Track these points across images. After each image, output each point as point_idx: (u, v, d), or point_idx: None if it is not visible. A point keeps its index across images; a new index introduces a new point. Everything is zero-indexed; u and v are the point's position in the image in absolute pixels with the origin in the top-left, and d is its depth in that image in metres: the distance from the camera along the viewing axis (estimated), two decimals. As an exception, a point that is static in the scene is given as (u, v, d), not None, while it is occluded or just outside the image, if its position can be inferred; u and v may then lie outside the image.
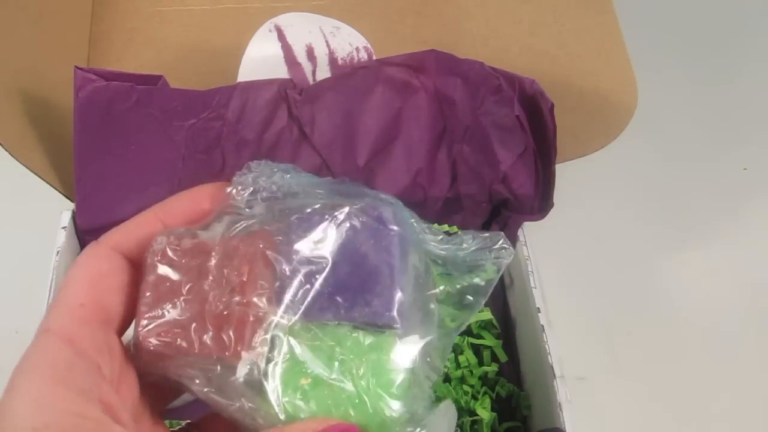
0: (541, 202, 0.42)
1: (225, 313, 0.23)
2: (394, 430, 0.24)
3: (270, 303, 0.23)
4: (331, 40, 0.45)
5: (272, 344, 0.23)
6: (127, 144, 0.40)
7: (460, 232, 0.28)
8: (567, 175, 0.42)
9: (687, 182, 0.58)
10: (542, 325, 0.39)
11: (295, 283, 0.24)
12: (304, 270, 0.24)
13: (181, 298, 0.23)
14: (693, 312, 0.52)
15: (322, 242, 0.24)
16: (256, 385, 0.23)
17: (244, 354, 0.23)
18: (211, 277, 0.23)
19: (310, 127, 0.40)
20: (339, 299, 0.24)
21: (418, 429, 0.24)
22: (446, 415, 0.25)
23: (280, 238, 0.24)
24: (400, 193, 0.42)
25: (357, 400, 0.23)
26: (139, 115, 0.39)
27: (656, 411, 0.48)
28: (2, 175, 0.51)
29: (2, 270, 0.53)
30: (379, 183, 0.42)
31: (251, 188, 0.26)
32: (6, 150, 0.38)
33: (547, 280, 0.41)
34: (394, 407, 0.24)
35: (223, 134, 0.40)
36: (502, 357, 0.43)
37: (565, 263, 0.52)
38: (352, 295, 0.24)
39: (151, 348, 0.23)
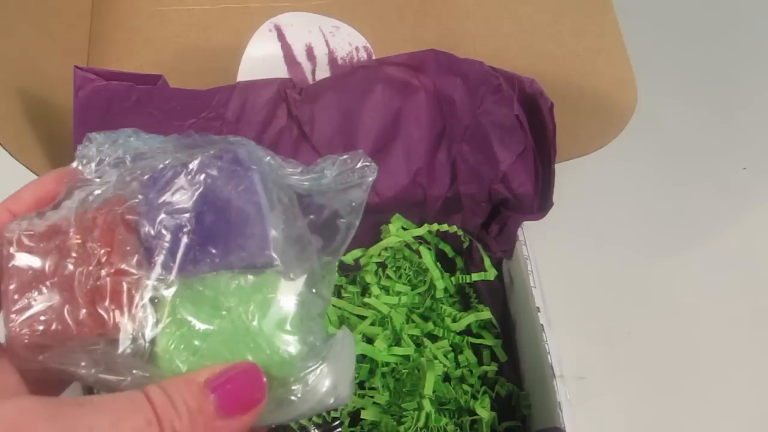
0: (540, 202, 0.42)
1: (96, 287, 0.22)
2: (294, 366, 0.23)
3: (141, 267, 0.23)
4: (331, 40, 0.45)
5: (153, 308, 0.23)
6: (126, 143, 0.40)
7: (319, 160, 0.27)
8: (567, 174, 0.42)
9: (686, 182, 0.58)
10: (542, 325, 0.39)
11: (163, 241, 0.23)
12: (168, 227, 0.23)
13: (47, 282, 0.22)
14: (692, 312, 0.52)
15: (181, 195, 0.24)
16: (145, 354, 0.22)
17: (124, 324, 0.22)
18: (74, 255, 0.23)
19: (309, 126, 0.40)
20: (212, 249, 0.23)
21: (320, 362, 0.24)
22: (344, 343, 0.25)
23: (137, 199, 0.24)
24: (400, 192, 0.42)
25: (252, 344, 0.23)
26: (139, 115, 0.39)
27: (656, 411, 0.48)
28: (2, 175, 0.51)
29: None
30: (379, 182, 0.41)
31: (97, 159, 0.26)
32: (6, 150, 0.39)
33: (547, 280, 0.41)
34: (291, 343, 0.23)
35: (223, 134, 0.40)
36: (502, 356, 0.42)
37: (565, 263, 0.52)
38: (224, 242, 0.23)
39: (27, 341, 0.22)
